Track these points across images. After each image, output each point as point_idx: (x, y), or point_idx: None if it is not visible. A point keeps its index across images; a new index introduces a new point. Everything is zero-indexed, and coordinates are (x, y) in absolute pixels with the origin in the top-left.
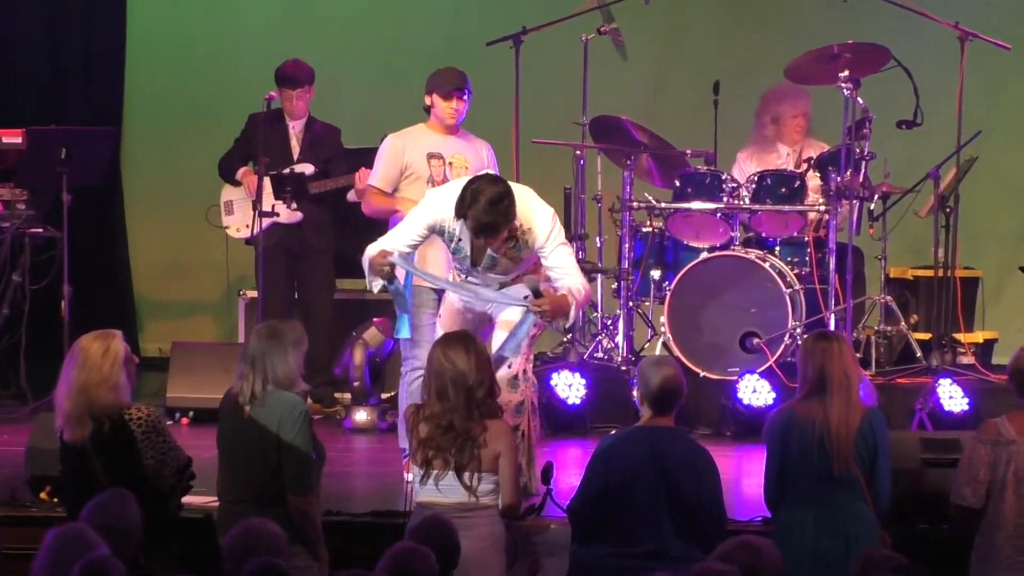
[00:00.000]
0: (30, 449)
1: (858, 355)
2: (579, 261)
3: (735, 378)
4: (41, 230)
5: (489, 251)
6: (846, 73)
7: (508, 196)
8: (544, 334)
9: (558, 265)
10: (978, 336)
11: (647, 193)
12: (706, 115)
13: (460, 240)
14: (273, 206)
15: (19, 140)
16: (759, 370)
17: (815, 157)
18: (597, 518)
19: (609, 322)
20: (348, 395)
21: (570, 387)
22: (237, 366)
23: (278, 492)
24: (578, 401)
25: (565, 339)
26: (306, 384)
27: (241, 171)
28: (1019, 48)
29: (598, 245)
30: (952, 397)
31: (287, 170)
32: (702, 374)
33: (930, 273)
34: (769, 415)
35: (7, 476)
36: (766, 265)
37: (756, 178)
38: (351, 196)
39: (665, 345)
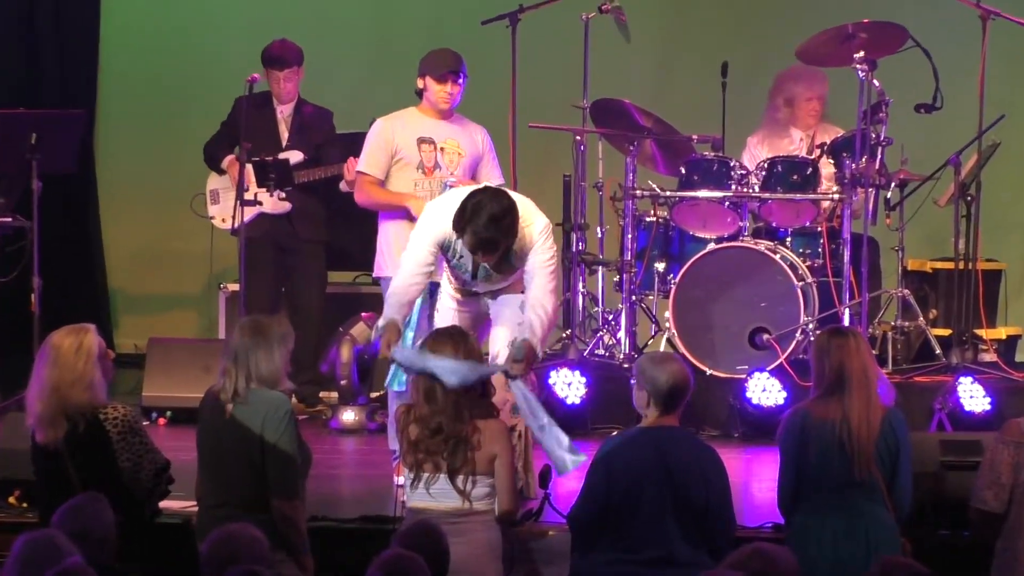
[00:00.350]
0: None
1: (874, 352)
2: (579, 252)
3: (744, 376)
4: (9, 219)
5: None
6: (861, 54)
7: (511, 212)
8: None
9: (537, 281)
10: (1001, 332)
11: (651, 181)
12: (714, 98)
13: (462, 256)
14: (256, 195)
15: None
16: (769, 368)
17: (829, 143)
18: (600, 525)
19: (611, 317)
20: (335, 394)
21: (569, 386)
22: (219, 362)
23: (261, 496)
24: (578, 401)
25: (564, 335)
26: (292, 383)
27: (227, 160)
28: None
29: (599, 236)
30: (973, 396)
31: (270, 157)
32: (709, 372)
33: (950, 265)
34: (783, 417)
35: None
36: (777, 257)
37: (766, 165)
38: (343, 187)
39: (669, 341)
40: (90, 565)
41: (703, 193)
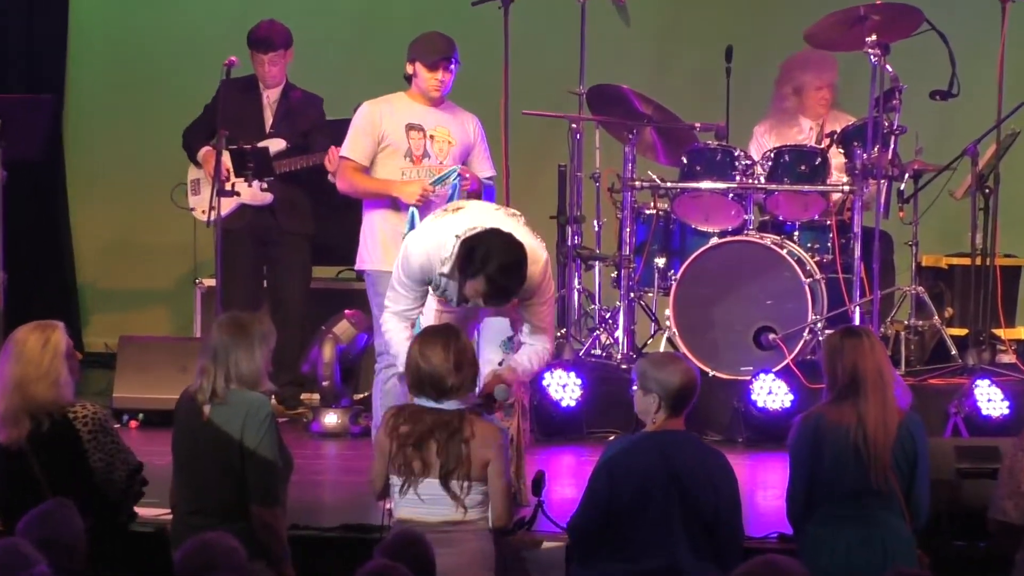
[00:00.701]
0: None
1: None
2: (575, 247)
3: (748, 378)
4: None
5: None
6: (874, 38)
7: (523, 261)
8: None
9: (536, 321)
10: (1020, 332)
11: (651, 171)
12: (717, 84)
13: (447, 290)
14: (234, 184)
15: None
16: (775, 369)
17: (839, 131)
18: (602, 533)
19: (608, 315)
20: (316, 396)
21: (564, 388)
22: (197, 361)
23: (240, 503)
24: (573, 403)
25: (559, 334)
26: (273, 384)
27: (203, 152)
28: None
29: (596, 229)
30: (991, 400)
31: (248, 145)
32: (711, 373)
33: (967, 261)
34: (795, 422)
35: None
36: (783, 252)
37: (773, 155)
38: (331, 177)
39: (670, 341)
40: (58, 574)
41: (706, 184)
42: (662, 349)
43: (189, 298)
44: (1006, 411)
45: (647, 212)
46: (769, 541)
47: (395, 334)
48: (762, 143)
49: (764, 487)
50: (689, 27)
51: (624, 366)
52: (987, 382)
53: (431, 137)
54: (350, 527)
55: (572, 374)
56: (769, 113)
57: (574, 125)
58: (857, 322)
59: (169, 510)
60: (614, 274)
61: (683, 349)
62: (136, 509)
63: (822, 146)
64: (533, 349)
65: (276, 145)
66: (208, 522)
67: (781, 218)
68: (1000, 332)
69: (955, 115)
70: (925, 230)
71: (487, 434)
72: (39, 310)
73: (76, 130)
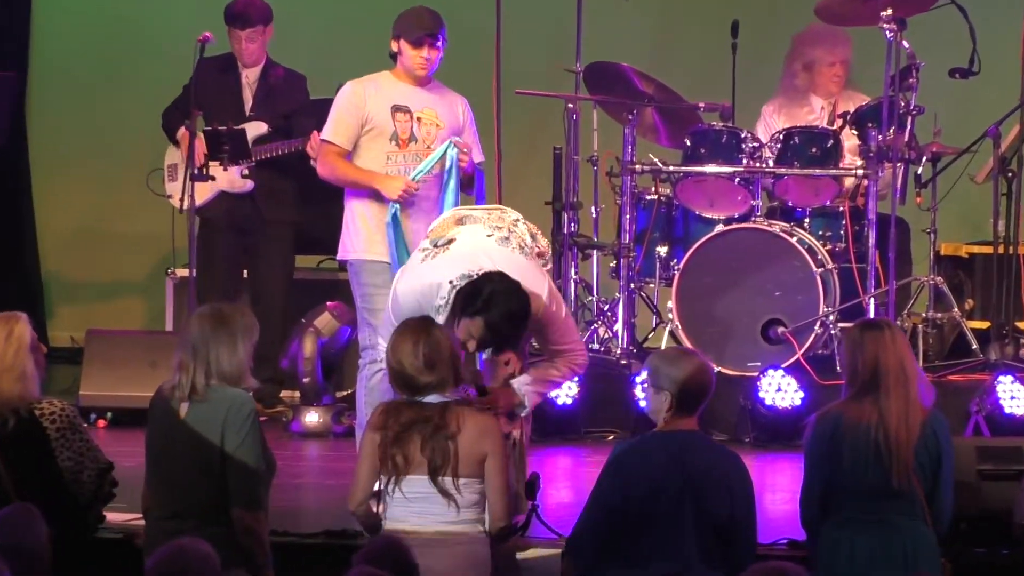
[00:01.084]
0: None
1: None
2: (572, 234)
3: (756, 374)
4: None
5: None
6: (889, 12)
7: (527, 313)
8: None
9: (554, 346)
10: None
11: (652, 154)
12: (723, 61)
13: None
14: (208, 168)
15: None
16: (784, 365)
17: (852, 112)
18: (610, 540)
19: (606, 307)
20: (296, 393)
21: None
22: (174, 356)
23: (220, 507)
24: (569, 401)
25: None
26: (256, 380)
27: (181, 132)
28: None
29: (593, 215)
30: (1014, 397)
31: (223, 127)
32: (717, 369)
33: (988, 250)
34: (811, 420)
35: None
36: (793, 240)
37: (782, 136)
38: (314, 163)
39: (672, 335)
40: None
41: (711, 168)
42: (664, 343)
43: (160, 290)
44: None
45: (648, 198)
46: (778, 547)
47: None
48: (770, 123)
49: (772, 490)
50: (693, 1)
51: (624, 362)
52: (1010, 378)
53: (418, 119)
54: (332, 533)
55: None
56: (778, 91)
57: (570, 105)
58: (872, 315)
59: (139, 514)
60: (613, 264)
61: (686, 343)
62: (104, 513)
63: (834, 127)
64: (554, 362)
65: (257, 129)
66: (185, 527)
67: (791, 204)
68: (1023, 325)
69: (976, 94)
70: (944, 216)
71: (480, 427)
72: (1, 302)
73: (41, 111)
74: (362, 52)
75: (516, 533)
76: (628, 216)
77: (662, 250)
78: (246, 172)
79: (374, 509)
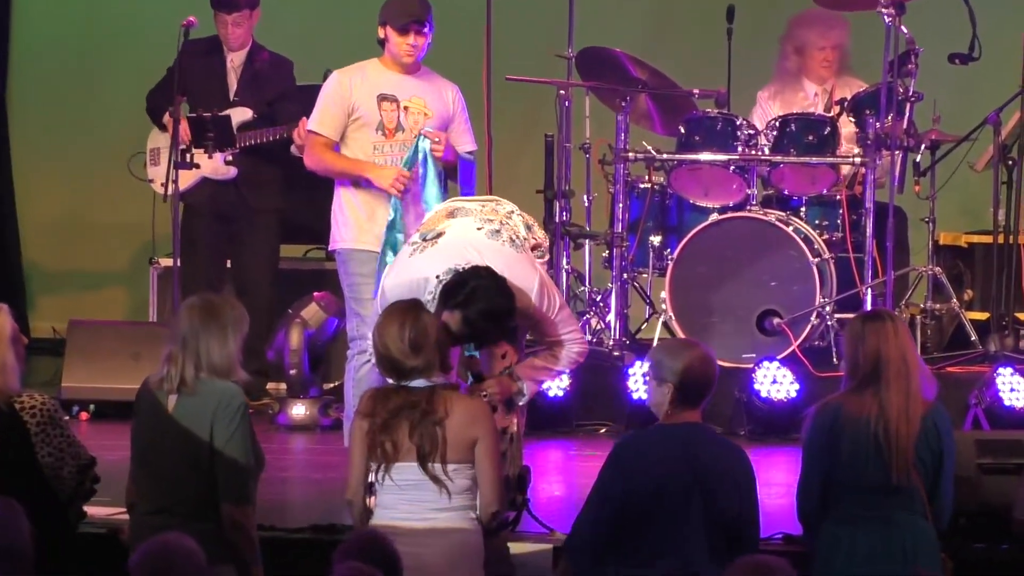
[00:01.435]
0: None
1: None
2: (563, 223)
3: (751, 366)
4: None
5: None
6: None
7: (509, 312)
8: None
9: (551, 338)
10: None
11: (645, 141)
12: (718, 47)
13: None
14: (192, 155)
15: None
16: (780, 356)
17: (850, 98)
18: (613, 535)
19: (599, 298)
20: (283, 385)
21: None
22: (164, 347)
23: (208, 502)
24: (561, 394)
25: None
26: (246, 373)
27: (167, 116)
28: None
29: (586, 204)
30: (1014, 389)
31: (208, 113)
32: None
33: (988, 239)
34: (809, 412)
35: None
36: (789, 229)
37: (778, 123)
38: (294, 151)
39: (666, 325)
40: None
41: (705, 156)
42: (657, 334)
43: (144, 279)
44: None
45: (641, 186)
46: (773, 542)
47: None
48: (766, 110)
49: (768, 484)
50: None
51: (616, 353)
52: (1010, 370)
53: (405, 108)
54: (320, 528)
55: None
56: (774, 76)
57: (562, 92)
58: (869, 306)
59: (123, 509)
60: (605, 253)
61: (680, 334)
62: (86, 508)
63: (831, 114)
64: (553, 351)
65: (241, 115)
66: (172, 522)
67: (787, 192)
68: None
69: (976, 80)
70: (943, 205)
71: (470, 411)
72: None
73: (22, 99)
74: (350, 37)
75: (508, 525)
76: (621, 205)
77: (656, 239)
78: (230, 159)
79: (368, 503)
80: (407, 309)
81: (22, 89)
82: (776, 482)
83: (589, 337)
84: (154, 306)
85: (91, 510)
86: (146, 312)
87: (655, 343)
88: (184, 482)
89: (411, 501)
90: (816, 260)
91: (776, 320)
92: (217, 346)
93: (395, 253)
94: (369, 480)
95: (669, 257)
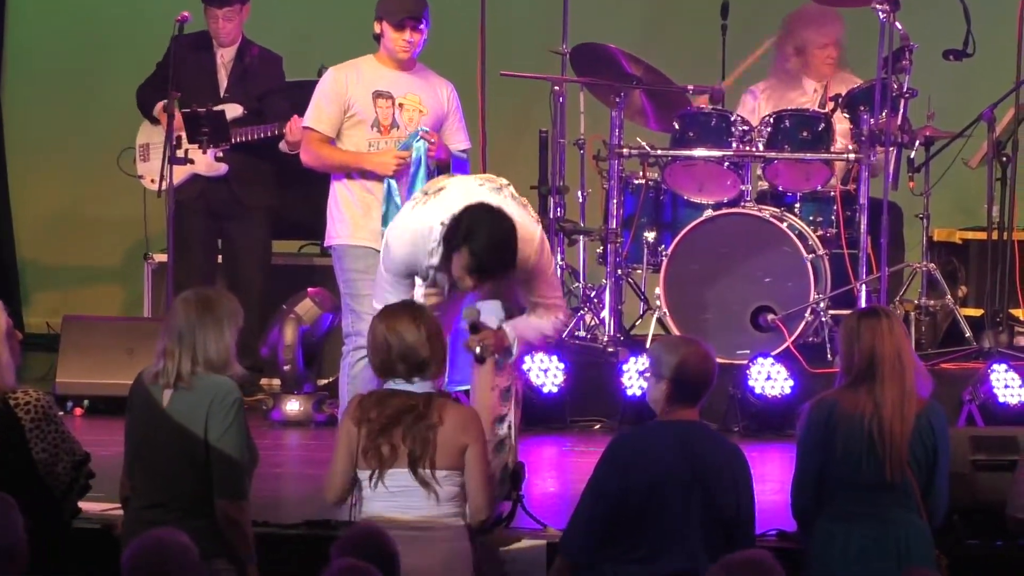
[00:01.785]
0: None
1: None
2: (558, 219)
3: (745, 362)
4: None
5: None
6: None
7: (513, 239)
8: None
9: (541, 299)
10: None
11: (640, 137)
12: (712, 43)
13: (436, 279)
14: (187, 151)
15: None
16: (774, 352)
17: (844, 94)
18: (607, 536)
19: (593, 294)
20: (276, 381)
21: (546, 372)
22: (158, 342)
23: (204, 497)
24: (555, 389)
25: None
26: (242, 368)
27: (159, 107)
28: None
29: (580, 200)
30: (1008, 386)
31: (202, 109)
32: None
33: (982, 236)
34: (804, 408)
35: None
36: (783, 226)
37: (772, 120)
38: (283, 147)
39: (660, 322)
40: None
41: (699, 152)
42: (652, 330)
43: (138, 275)
44: None
45: (636, 182)
46: (768, 538)
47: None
48: (759, 107)
49: (761, 480)
50: None
51: (610, 349)
52: (1004, 367)
53: (400, 105)
54: (314, 524)
55: (554, 358)
56: (770, 75)
57: (557, 87)
58: (863, 302)
59: (117, 505)
60: (600, 249)
61: (674, 330)
62: (80, 504)
63: (826, 110)
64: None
65: (232, 111)
66: (167, 518)
67: (781, 188)
68: (1018, 313)
69: (970, 76)
70: (937, 202)
71: (462, 418)
72: None
73: (15, 96)
74: (343, 33)
75: (500, 524)
76: (615, 201)
77: (650, 235)
78: (220, 155)
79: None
80: (412, 304)
81: (16, 85)
82: (770, 478)
83: (583, 333)
84: (148, 302)
85: (85, 506)
86: (140, 308)
87: (649, 339)
88: (179, 477)
89: (402, 508)
90: (810, 256)
91: (770, 316)
92: (214, 340)
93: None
94: (361, 483)
95: (663, 253)
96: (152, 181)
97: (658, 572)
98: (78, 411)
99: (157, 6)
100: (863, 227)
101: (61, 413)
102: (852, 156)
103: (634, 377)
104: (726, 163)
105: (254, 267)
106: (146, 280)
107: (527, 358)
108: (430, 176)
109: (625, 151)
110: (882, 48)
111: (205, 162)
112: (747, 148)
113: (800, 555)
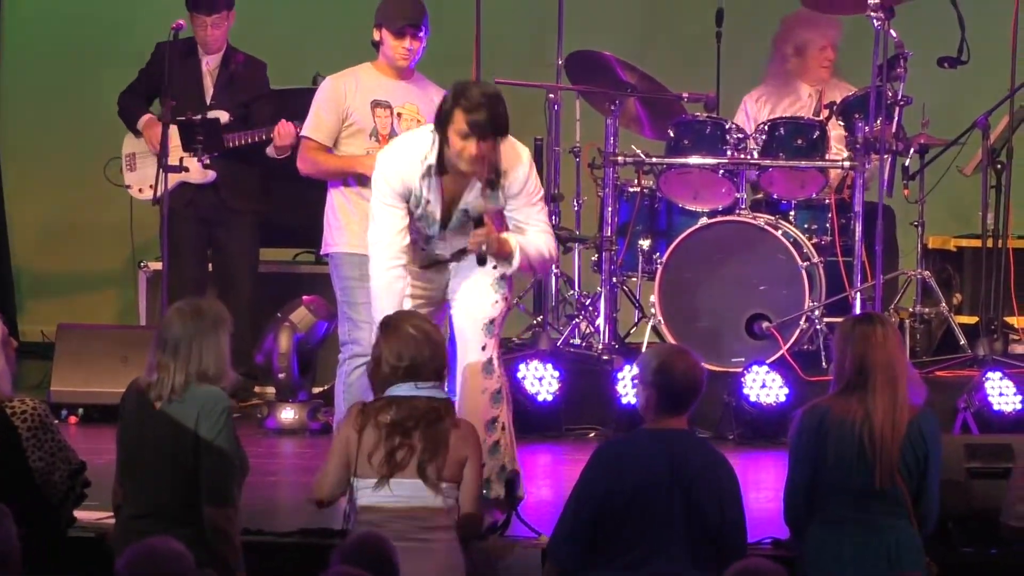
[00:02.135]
0: None
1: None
2: (553, 227)
3: (740, 370)
4: None
5: (462, 204)
6: (876, 0)
7: (502, 98)
8: (510, 319)
9: (528, 220)
10: None
11: (634, 145)
12: (707, 51)
13: (429, 202)
14: (181, 159)
15: None
16: (769, 361)
17: (839, 102)
18: (592, 541)
19: (588, 302)
20: (271, 389)
21: (540, 380)
22: (151, 354)
23: (194, 506)
24: (550, 398)
25: (535, 322)
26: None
27: (144, 120)
28: None
29: (575, 208)
30: (1003, 394)
31: (197, 116)
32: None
33: (977, 243)
34: (796, 414)
35: None
36: (778, 233)
37: (767, 127)
38: (270, 151)
39: (655, 329)
40: None
41: (694, 160)
42: (646, 338)
43: (132, 283)
44: (1019, 406)
45: (631, 190)
46: (762, 547)
47: (381, 275)
48: (751, 113)
49: (756, 488)
50: None
51: (605, 357)
52: (999, 374)
53: (398, 115)
54: (309, 532)
55: (549, 366)
56: (765, 78)
57: (552, 95)
58: (858, 309)
59: (111, 513)
60: (595, 257)
61: (669, 338)
62: (75, 513)
63: (820, 118)
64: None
65: (221, 117)
66: (157, 526)
67: (776, 196)
68: (1013, 320)
69: (965, 84)
70: (932, 209)
71: (465, 431)
72: None
73: (10, 104)
74: (336, 41)
75: (495, 531)
76: (610, 208)
77: (645, 243)
78: (207, 162)
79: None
80: (414, 313)
81: (10, 93)
82: (765, 486)
83: (578, 341)
84: (143, 310)
85: (80, 514)
86: (135, 315)
87: (644, 347)
88: (169, 487)
89: (399, 504)
90: (805, 264)
91: (765, 324)
92: (211, 349)
93: None
94: (355, 489)
95: (658, 261)
96: (140, 191)
97: None
98: (72, 419)
99: (147, 17)
100: (858, 235)
101: (56, 423)
102: (847, 164)
103: (629, 385)
104: (721, 171)
105: (244, 272)
106: (140, 288)
107: (522, 366)
108: None
109: (620, 159)
110: (877, 55)
111: (197, 169)
112: (742, 156)
113: (794, 563)
